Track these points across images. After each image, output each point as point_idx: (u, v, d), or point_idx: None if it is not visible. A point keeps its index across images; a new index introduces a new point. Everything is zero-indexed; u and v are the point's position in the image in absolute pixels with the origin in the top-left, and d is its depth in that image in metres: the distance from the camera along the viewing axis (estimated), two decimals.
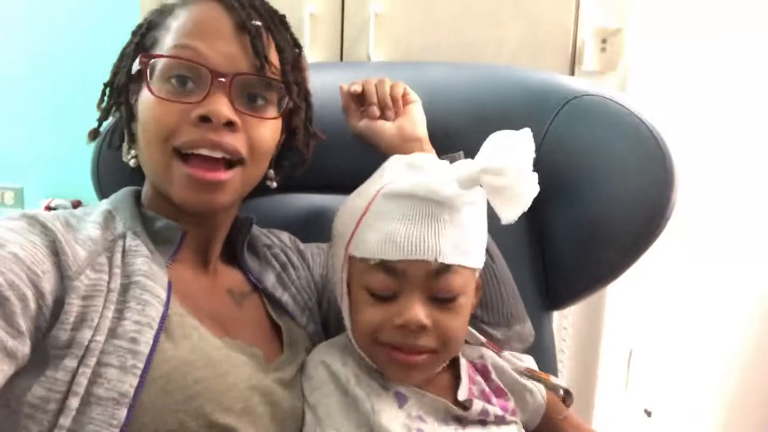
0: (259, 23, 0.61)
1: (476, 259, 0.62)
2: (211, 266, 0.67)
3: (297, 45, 0.67)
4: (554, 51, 1.13)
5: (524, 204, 0.56)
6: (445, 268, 0.58)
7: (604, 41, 1.15)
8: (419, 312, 0.57)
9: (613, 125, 0.84)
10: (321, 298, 0.76)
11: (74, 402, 0.49)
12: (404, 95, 0.80)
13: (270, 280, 0.71)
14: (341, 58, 1.17)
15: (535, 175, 0.56)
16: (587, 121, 0.85)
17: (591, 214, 0.84)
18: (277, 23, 0.65)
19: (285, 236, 0.79)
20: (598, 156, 0.84)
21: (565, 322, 1.19)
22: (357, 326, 0.61)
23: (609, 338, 1.19)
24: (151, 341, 0.53)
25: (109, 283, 0.54)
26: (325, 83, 0.97)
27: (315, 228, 0.84)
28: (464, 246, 0.59)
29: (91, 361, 0.50)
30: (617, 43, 1.15)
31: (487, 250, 0.75)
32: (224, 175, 0.59)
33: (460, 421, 0.62)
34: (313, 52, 1.16)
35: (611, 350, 1.25)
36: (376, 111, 0.78)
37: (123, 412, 0.50)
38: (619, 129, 0.83)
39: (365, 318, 0.60)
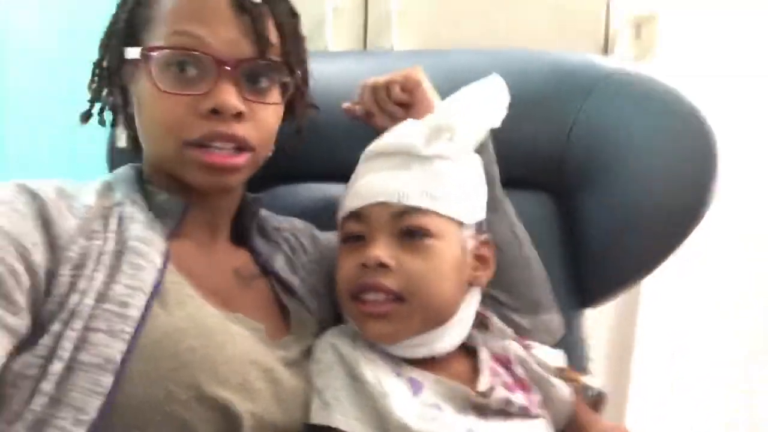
0: (258, 0, 0.58)
1: (457, 210, 0.61)
2: (217, 245, 0.65)
3: (294, 13, 0.65)
4: (585, 38, 1.08)
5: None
6: (411, 210, 0.59)
7: (638, 27, 1.10)
8: (379, 248, 0.58)
9: (649, 103, 0.78)
10: (334, 285, 0.72)
11: (57, 366, 0.47)
12: (404, 86, 0.72)
13: (279, 262, 0.68)
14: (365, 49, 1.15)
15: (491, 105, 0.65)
16: (621, 100, 0.80)
17: (625, 198, 0.78)
18: None
19: (299, 222, 0.77)
20: (634, 136, 0.78)
21: (597, 323, 1.12)
22: (339, 286, 0.62)
23: (645, 342, 1.12)
24: (142, 306, 0.51)
25: (102, 247, 0.52)
26: (345, 72, 0.95)
27: (329, 217, 0.81)
28: (436, 193, 0.60)
29: (78, 324, 0.48)
30: (652, 29, 1.10)
31: (515, 234, 0.71)
32: (240, 159, 0.59)
33: (481, 410, 0.57)
34: (336, 46, 1.14)
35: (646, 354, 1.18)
36: (381, 121, 0.73)
37: (108, 379, 0.47)
38: (656, 107, 0.77)
39: (340, 270, 0.62)
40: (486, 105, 0.65)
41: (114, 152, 0.84)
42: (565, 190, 0.85)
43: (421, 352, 0.60)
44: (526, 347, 0.65)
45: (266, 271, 0.67)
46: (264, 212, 0.72)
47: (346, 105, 0.77)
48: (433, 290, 0.58)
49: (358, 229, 0.60)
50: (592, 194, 0.82)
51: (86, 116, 0.65)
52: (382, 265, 0.57)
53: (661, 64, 1.10)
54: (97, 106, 0.65)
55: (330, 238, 0.76)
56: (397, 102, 0.71)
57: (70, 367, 0.47)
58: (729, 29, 1.22)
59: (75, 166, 0.65)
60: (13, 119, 1.39)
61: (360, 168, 0.65)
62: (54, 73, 1.26)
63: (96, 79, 0.64)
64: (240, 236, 0.68)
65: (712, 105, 0.78)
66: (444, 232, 0.59)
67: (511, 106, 0.80)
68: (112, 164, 0.85)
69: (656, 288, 1.17)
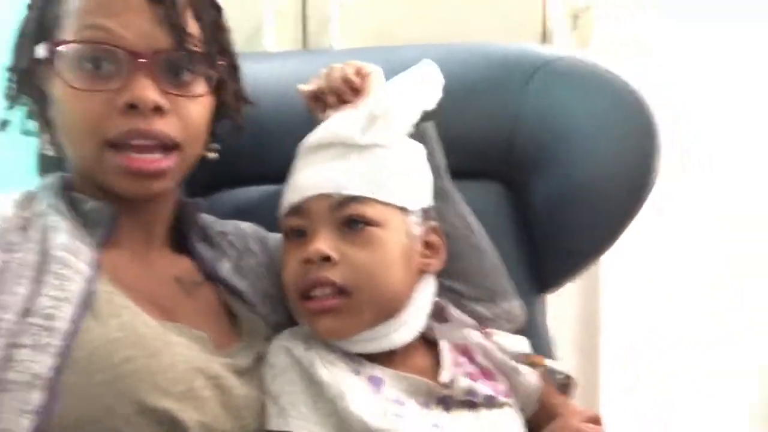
0: None
1: (398, 196, 0.59)
2: (154, 253, 0.61)
3: (215, 6, 0.63)
4: (523, 31, 1.09)
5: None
6: (350, 199, 0.57)
7: (575, 18, 1.13)
8: (320, 241, 0.56)
9: (590, 86, 0.79)
10: None
11: None
12: (358, 71, 0.73)
13: (225, 267, 0.65)
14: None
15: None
16: (562, 85, 0.80)
17: (572, 180, 0.78)
18: None
19: (245, 225, 0.74)
20: (576, 119, 0.78)
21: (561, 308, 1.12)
22: (285, 285, 0.60)
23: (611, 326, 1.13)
24: (68, 317, 0.47)
25: (22, 259, 0.49)
26: (284, 72, 0.93)
27: (276, 219, 0.79)
28: (376, 181, 0.58)
29: (1, 342, 0.45)
30: (588, 20, 1.12)
31: (465, 222, 0.70)
32: (164, 163, 0.55)
33: (445, 403, 0.55)
34: (275, 49, 1.12)
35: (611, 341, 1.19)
36: (332, 101, 0.72)
37: (36, 396, 0.44)
38: (596, 89, 0.78)
39: (285, 269, 0.59)
40: (418, 88, 0.65)
41: (43, 162, 0.78)
42: (515, 178, 0.85)
43: (380, 346, 0.57)
44: (487, 335, 0.64)
45: (211, 277, 0.64)
46: (207, 217, 0.69)
47: (301, 85, 0.75)
48: (381, 280, 0.56)
49: (298, 224, 0.59)
50: (541, 179, 0.82)
51: (3, 124, 0.60)
52: (326, 259, 0.55)
53: (598, 55, 1.12)
54: (20, 114, 0.61)
55: (279, 239, 0.73)
56: (348, 84, 0.70)
57: None
58: (662, 20, 1.27)
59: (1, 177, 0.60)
60: None
61: (297, 162, 0.63)
62: None
63: (10, 84, 0.60)
64: (180, 243, 0.65)
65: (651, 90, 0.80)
66: (387, 220, 0.58)
67: (454, 98, 0.80)
68: (42, 174, 0.79)
69: (620, 272, 1.18)
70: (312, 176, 0.59)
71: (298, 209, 0.59)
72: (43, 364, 0.45)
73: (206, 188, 0.86)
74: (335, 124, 0.62)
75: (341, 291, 0.55)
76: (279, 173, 0.81)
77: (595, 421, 0.59)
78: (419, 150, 0.66)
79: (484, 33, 1.06)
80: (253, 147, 0.87)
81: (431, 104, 0.68)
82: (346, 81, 0.70)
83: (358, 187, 0.57)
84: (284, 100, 0.87)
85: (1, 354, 0.45)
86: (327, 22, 1.10)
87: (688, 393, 1.42)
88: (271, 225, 0.76)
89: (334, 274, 0.55)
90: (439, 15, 1.09)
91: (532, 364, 0.63)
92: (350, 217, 0.56)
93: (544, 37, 1.11)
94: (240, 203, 0.87)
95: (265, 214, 0.82)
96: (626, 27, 1.21)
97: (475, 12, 1.08)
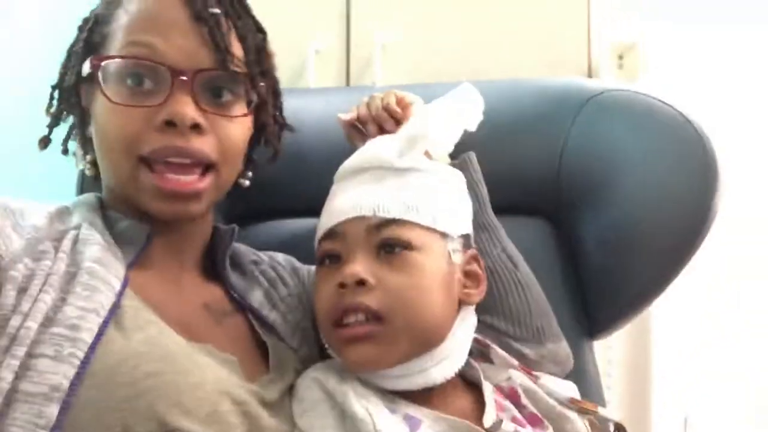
0: (217, 11, 0.56)
1: (437, 220, 0.57)
2: (185, 278, 0.60)
3: (260, 29, 0.63)
4: (568, 69, 1.07)
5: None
6: (388, 222, 0.55)
7: (620, 57, 1.10)
8: (357, 265, 0.53)
9: (642, 117, 0.75)
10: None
11: None
12: (399, 101, 0.73)
13: (257, 297, 0.63)
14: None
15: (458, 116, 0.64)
16: (612, 118, 0.77)
17: (623, 217, 0.74)
18: (237, 8, 0.60)
19: (279, 256, 0.72)
20: (627, 152, 0.75)
21: (609, 353, 1.06)
22: (318, 314, 0.57)
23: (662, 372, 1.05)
24: (95, 329, 0.45)
25: (51, 268, 0.48)
26: (328, 108, 0.93)
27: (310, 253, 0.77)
28: (414, 204, 0.56)
29: (20, 351, 0.43)
30: (634, 57, 1.10)
31: (510, 257, 0.67)
32: (199, 184, 0.55)
33: None
34: (319, 86, 1.13)
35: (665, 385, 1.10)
36: (373, 130, 0.72)
37: (53, 410, 0.42)
38: (648, 121, 0.74)
39: (318, 295, 0.57)
40: (459, 108, 0.62)
41: (84, 182, 0.80)
42: (563, 215, 0.81)
43: (416, 383, 0.53)
44: (534, 378, 0.59)
45: (242, 306, 0.62)
46: (240, 246, 0.68)
47: (341, 114, 0.75)
48: (419, 307, 0.53)
49: (333, 248, 0.56)
50: (590, 216, 0.78)
51: (45, 142, 0.61)
52: (361, 283, 0.52)
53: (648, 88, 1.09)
54: (60, 134, 0.62)
55: (313, 270, 0.71)
56: (390, 112, 0.69)
57: (10, 400, 0.43)
58: (714, 50, 1.23)
59: (44, 195, 0.61)
60: None
61: (333, 189, 0.62)
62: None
63: (54, 102, 0.61)
64: (212, 270, 0.63)
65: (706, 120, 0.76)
66: (426, 245, 0.55)
67: (499, 133, 0.78)
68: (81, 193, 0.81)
69: (669, 313, 1.11)
70: (348, 200, 0.57)
71: (333, 233, 0.57)
72: (61, 374, 0.43)
73: (243, 219, 0.85)
74: (372, 148, 0.60)
75: (376, 318, 0.52)
76: (317, 207, 0.80)
77: None
78: (459, 176, 0.64)
79: (527, 71, 1.06)
80: (292, 180, 0.87)
81: (472, 125, 0.67)
82: (388, 110, 0.69)
83: (396, 209, 0.55)
84: (325, 134, 0.87)
85: (19, 363, 0.43)
86: (370, 61, 1.12)
87: None
88: (307, 258, 0.74)
89: (370, 300, 0.52)
90: (481, 53, 1.08)
91: (582, 411, 0.58)
92: (387, 240, 0.54)
93: (590, 74, 1.09)
94: (277, 236, 0.86)
95: (301, 248, 0.81)
96: (675, 63, 1.18)
97: (517, 50, 1.07)
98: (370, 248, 0.54)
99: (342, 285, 0.53)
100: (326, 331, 0.56)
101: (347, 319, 0.53)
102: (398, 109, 0.69)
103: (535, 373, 0.60)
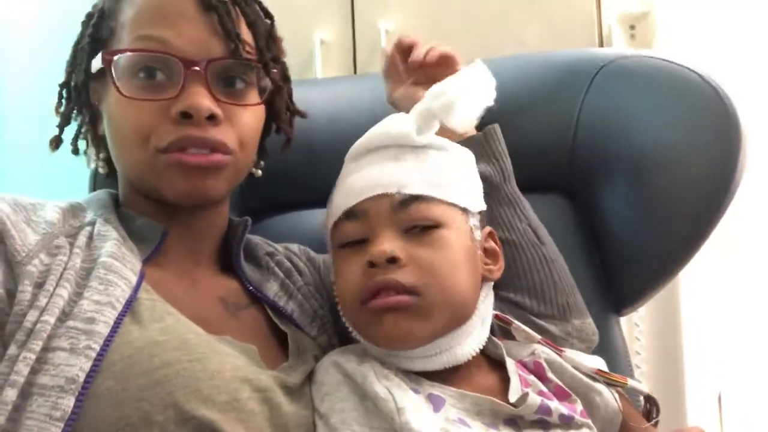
0: None
1: (460, 196, 0.56)
2: (200, 273, 0.59)
3: (268, 15, 0.62)
4: (578, 42, 1.05)
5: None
6: (413, 198, 0.53)
7: (632, 27, 1.07)
8: (386, 243, 0.51)
9: (657, 82, 0.73)
10: (336, 308, 0.66)
11: (10, 394, 0.41)
12: (450, 59, 0.71)
13: (272, 289, 0.62)
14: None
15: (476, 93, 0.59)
16: (627, 84, 0.75)
17: (644, 185, 0.72)
18: None
19: (294, 246, 0.71)
20: (644, 119, 0.72)
21: (636, 330, 1.03)
22: (342, 295, 0.55)
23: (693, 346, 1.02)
24: (111, 322, 0.45)
25: (66, 263, 0.48)
26: (336, 98, 0.92)
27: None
28: (437, 180, 0.55)
29: (36, 345, 0.43)
30: (647, 26, 1.07)
31: (535, 231, 0.66)
32: (218, 157, 0.54)
33: (515, 424, 0.49)
34: (325, 76, 1.13)
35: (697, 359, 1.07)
36: (420, 54, 0.71)
37: (69, 401, 0.42)
38: (665, 85, 0.72)
39: (341, 278, 0.55)
40: (475, 84, 0.61)
41: (97, 182, 0.80)
42: (579, 188, 0.79)
43: (441, 362, 0.52)
44: (558, 351, 0.57)
45: (258, 299, 0.61)
46: (255, 237, 0.67)
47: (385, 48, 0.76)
48: (451, 282, 0.52)
49: (355, 230, 0.54)
50: (608, 187, 0.76)
51: (56, 142, 0.61)
52: (392, 260, 0.51)
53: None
54: (71, 133, 0.62)
55: (327, 260, 0.70)
56: (442, 56, 0.70)
57: (27, 393, 0.42)
58: (730, 17, 1.19)
59: (55, 195, 0.60)
60: None
61: (346, 169, 0.59)
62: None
63: (64, 101, 0.60)
64: (227, 263, 0.62)
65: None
66: (451, 221, 0.54)
67: (513, 109, 0.76)
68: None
69: (698, 286, 1.07)
70: (368, 178, 0.55)
71: (354, 213, 0.55)
72: (77, 367, 0.43)
73: (257, 214, 0.85)
74: (388, 125, 0.59)
75: (410, 293, 0.51)
76: (328, 197, 0.80)
77: None
78: (470, 154, 0.63)
79: (536, 47, 1.03)
80: (303, 171, 0.86)
81: (490, 100, 0.65)
82: (443, 57, 0.70)
83: (419, 186, 0.54)
84: (335, 124, 0.86)
85: (37, 357, 0.43)
86: (376, 48, 1.10)
87: None
88: (321, 249, 0.74)
89: (403, 276, 0.50)
90: (488, 31, 1.06)
91: (609, 383, 0.56)
92: (414, 218, 0.53)
93: (602, 46, 1.06)
94: (290, 228, 0.85)
95: (315, 238, 0.80)
96: (689, 31, 1.14)
97: (525, 26, 1.05)
98: (397, 225, 0.53)
99: (372, 264, 0.51)
100: (353, 312, 0.54)
101: (377, 299, 0.51)
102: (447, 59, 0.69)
103: (559, 348, 0.59)
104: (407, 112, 0.72)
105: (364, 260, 0.52)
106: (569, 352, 0.57)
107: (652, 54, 0.77)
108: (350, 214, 0.55)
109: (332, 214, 0.58)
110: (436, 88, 0.58)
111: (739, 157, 0.68)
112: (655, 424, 0.58)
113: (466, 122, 0.59)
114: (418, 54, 0.71)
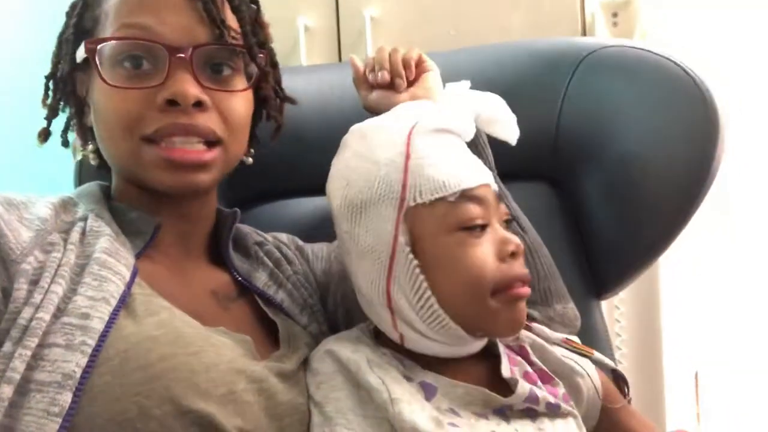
0: None
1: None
2: (191, 265, 0.59)
3: (253, 1, 0.62)
4: (560, 30, 1.06)
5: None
6: (499, 195, 0.56)
7: (615, 15, 1.09)
8: (510, 234, 0.53)
9: (638, 72, 0.75)
10: (326, 297, 0.67)
11: (7, 391, 0.42)
12: (419, 63, 0.72)
13: (261, 279, 0.62)
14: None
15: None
16: (609, 74, 0.77)
17: (625, 174, 0.74)
18: None
19: (282, 235, 0.72)
20: (625, 109, 0.74)
21: (616, 313, 1.06)
22: (465, 281, 0.51)
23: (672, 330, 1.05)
24: (106, 317, 0.46)
25: (60, 259, 0.48)
26: (322, 85, 0.92)
27: (321, 231, 0.77)
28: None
29: (31, 342, 0.43)
30: (629, 15, 1.08)
31: (517, 220, 0.67)
32: (206, 155, 0.54)
33: (503, 414, 0.51)
34: (310, 63, 1.12)
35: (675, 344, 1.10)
36: (386, 75, 0.69)
37: (66, 397, 0.42)
38: (646, 75, 0.74)
39: (472, 260, 0.51)
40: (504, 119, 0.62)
41: (82, 172, 0.79)
42: (562, 176, 0.81)
43: (477, 347, 0.55)
44: (528, 328, 0.59)
45: (247, 289, 0.62)
46: (244, 227, 0.67)
47: (353, 56, 0.75)
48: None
49: (480, 214, 0.52)
50: (590, 175, 0.78)
51: (45, 134, 0.60)
52: (516, 253, 0.52)
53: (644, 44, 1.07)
54: (59, 126, 0.61)
55: (316, 249, 0.71)
56: (406, 64, 0.69)
57: (24, 389, 0.43)
58: (713, 6, 1.21)
59: (40, 188, 0.60)
60: None
61: (429, 141, 0.54)
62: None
63: (50, 93, 0.60)
64: (218, 255, 0.63)
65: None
66: None
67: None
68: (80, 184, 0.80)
69: (677, 270, 1.11)
70: (473, 161, 0.55)
71: (477, 197, 0.52)
72: (74, 363, 0.43)
73: (245, 203, 0.85)
74: (455, 114, 0.58)
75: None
76: (317, 185, 0.80)
77: None
78: None
79: (519, 35, 1.04)
80: (291, 159, 0.86)
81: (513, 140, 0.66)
82: (408, 66, 0.69)
83: (493, 183, 0.56)
84: (322, 112, 0.87)
85: (33, 353, 0.43)
86: (361, 35, 1.10)
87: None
88: (311, 236, 0.74)
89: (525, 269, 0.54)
90: (472, 18, 1.07)
91: (578, 352, 0.58)
92: (506, 214, 0.55)
93: (584, 35, 1.07)
94: (279, 217, 0.86)
95: (303, 227, 0.81)
96: (671, 19, 1.15)
97: (508, 13, 1.06)
98: (499, 217, 0.54)
99: (513, 254, 0.52)
100: (477, 299, 0.51)
101: (516, 288, 0.52)
102: (413, 70, 0.69)
103: (527, 323, 0.59)
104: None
105: (495, 248, 0.51)
106: (536, 326, 0.59)
107: (633, 44, 0.78)
108: (470, 197, 0.52)
109: (435, 188, 0.52)
110: (480, 98, 0.60)
111: (717, 146, 0.70)
112: (629, 402, 0.60)
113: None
114: (378, 77, 0.70)
